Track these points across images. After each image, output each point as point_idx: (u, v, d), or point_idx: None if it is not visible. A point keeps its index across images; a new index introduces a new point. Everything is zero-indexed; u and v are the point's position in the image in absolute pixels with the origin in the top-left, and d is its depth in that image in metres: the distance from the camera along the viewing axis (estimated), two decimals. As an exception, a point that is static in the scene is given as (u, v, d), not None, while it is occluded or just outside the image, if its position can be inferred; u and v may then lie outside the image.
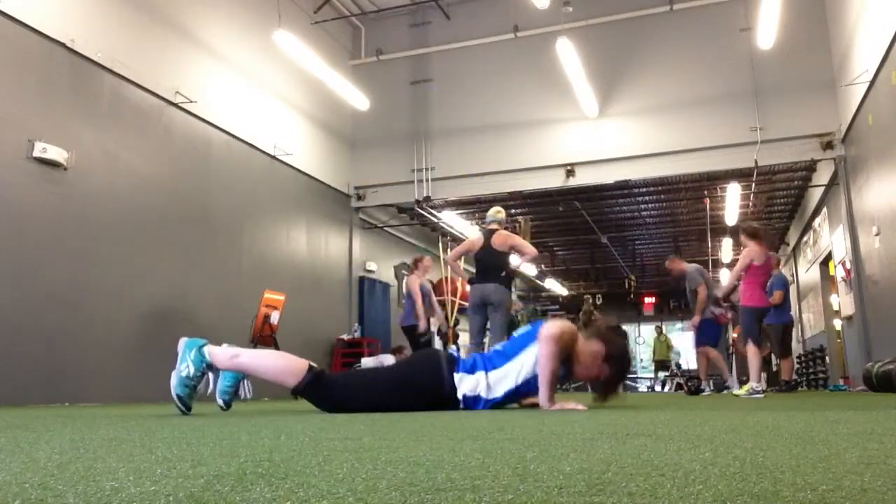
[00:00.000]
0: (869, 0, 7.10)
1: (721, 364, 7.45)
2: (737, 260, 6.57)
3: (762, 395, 6.02)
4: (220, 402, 2.97)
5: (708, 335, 7.60)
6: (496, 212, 6.29)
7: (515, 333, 3.13)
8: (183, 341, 2.71)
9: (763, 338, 7.16)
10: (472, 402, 2.92)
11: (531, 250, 6.13)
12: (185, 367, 2.64)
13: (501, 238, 6.04)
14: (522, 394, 3.01)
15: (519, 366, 2.94)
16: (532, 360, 2.92)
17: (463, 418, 2.28)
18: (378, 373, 3.23)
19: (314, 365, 2.75)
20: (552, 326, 2.92)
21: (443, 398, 2.89)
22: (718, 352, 7.63)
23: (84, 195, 6.10)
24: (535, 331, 2.98)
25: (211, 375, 2.74)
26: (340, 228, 10.61)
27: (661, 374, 17.42)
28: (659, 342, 18.24)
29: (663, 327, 18.84)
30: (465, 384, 2.91)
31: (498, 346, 3.15)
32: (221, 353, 2.71)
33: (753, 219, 13.65)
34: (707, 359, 7.67)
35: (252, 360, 2.77)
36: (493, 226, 6.16)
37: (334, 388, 2.80)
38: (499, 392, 2.94)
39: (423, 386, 2.90)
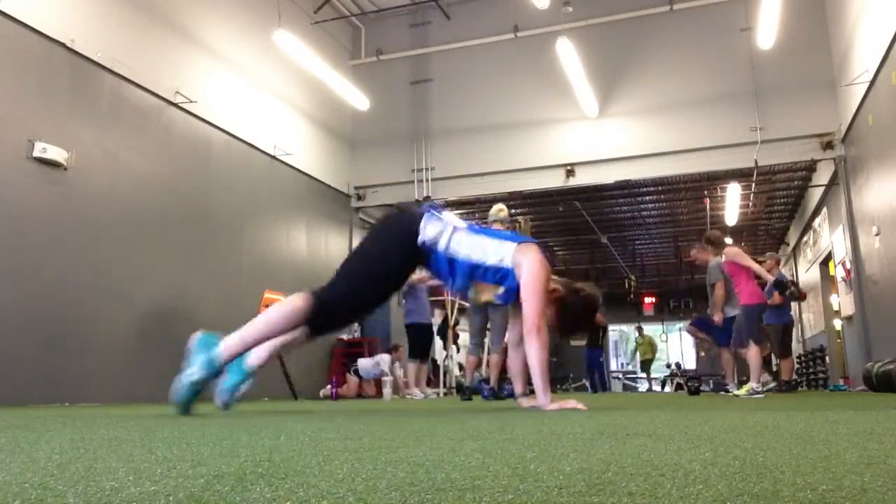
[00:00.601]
0: (869, 0, 7.10)
1: (730, 366, 7.37)
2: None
3: (762, 395, 6.02)
4: (219, 402, 2.92)
5: (727, 336, 7.30)
6: (497, 210, 6.29)
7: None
8: (196, 336, 2.59)
9: (763, 338, 7.13)
10: (429, 252, 2.81)
11: None
12: (192, 371, 2.54)
13: None
14: (476, 279, 2.88)
15: (486, 248, 2.86)
16: (499, 256, 2.85)
17: (463, 418, 2.28)
18: (353, 265, 2.93)
19: (306, 291, 2.63)
20: (532, 312, 2.83)
21: (416, 250, 2.82)
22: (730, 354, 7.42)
23: (84, 195, 6.10)
24: (514, 241, 2.91)
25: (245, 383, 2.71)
26: (340, 228, 10.61)
27: (657, 374, 17.43)
28: (641, 342, 18.24)
29: (643, 328, 18.81)
30: (430, 228, 2.82)
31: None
32: (232, 344, 2.60)
33: (753, 219, 13.66)
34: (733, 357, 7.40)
35: (253, 330, 2.62)
36: (496, 225, 6.17)
37: (338, 306, 2.69)
38: (457, 252, 2.83)
39: (401, 248, 2.83)
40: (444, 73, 10.71)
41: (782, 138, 8.94)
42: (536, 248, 2.93)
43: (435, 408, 3.79)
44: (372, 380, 9.39)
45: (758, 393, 6.04)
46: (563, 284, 3.09)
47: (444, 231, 2.85)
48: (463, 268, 2.85)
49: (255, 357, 2.78)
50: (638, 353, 18.63)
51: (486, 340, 7.09)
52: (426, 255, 2.84)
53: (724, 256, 6.54)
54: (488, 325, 6.79)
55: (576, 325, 3.16)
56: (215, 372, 2.60)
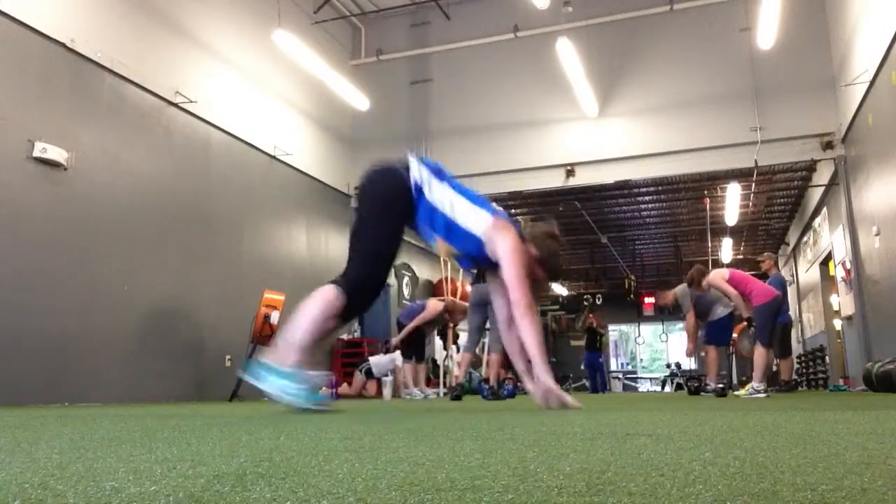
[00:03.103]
0: (869, 0, 7.10)
1: (713, 367, 7.30)
2: (735, 263, 6.54)
3: (764, 395, 5.99)
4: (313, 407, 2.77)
5: (716, 335, 7.32)
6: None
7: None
8: (256, 375, 2.59)
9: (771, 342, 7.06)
10: (419, 194, 2.85)
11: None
12: (285, 385, 2.53)
13: None
14: (441, 233, 2.91)
15: (457, 206, 2.88)
16: (475, 223, 2.87)
17: (463, 418, 2.28)
18: (362, 243, 2.95)
19: (336, 283, 2.69)
20: (518, 287, 2.84)
21: (410, 200, 2.85)
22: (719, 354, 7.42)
23: (84, 195, 6.10)
24: (488, 211, 2.92)
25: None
26: (340, 228, 10.61)
27: (657, 374, 17.27)
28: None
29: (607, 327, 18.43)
30: (417, 171, 2.85)
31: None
32: (282, 354, 2.62)
33: (753, 219, 13.66)
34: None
35: (303, 329, 2.65)
36: None
37: (363, 286, 2.76)
38: (438, 199, 2.85)
39: (393, 206, 2.86)
40: (444, 73, 10.71)
41: (782, 138, 8.93)
42: (512, 228, 2.93)
43: (435, 408, 3.79)
44: (375, 380, 9.38)
45: (759, 393, 6.03)
46: (531, 241, 3.05)
47: (427, 175, 2.88)
48: (445, 222, 2.86)
49: (296, 356, 2.71)
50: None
51: (486, 340, 7.09)
52: (414, 199, 2.86)
53: (706, 283, 6.51)
54: (487, 325, 6.79)
55: (557, 268, 3.19)
56: (299, 373, 2.59)
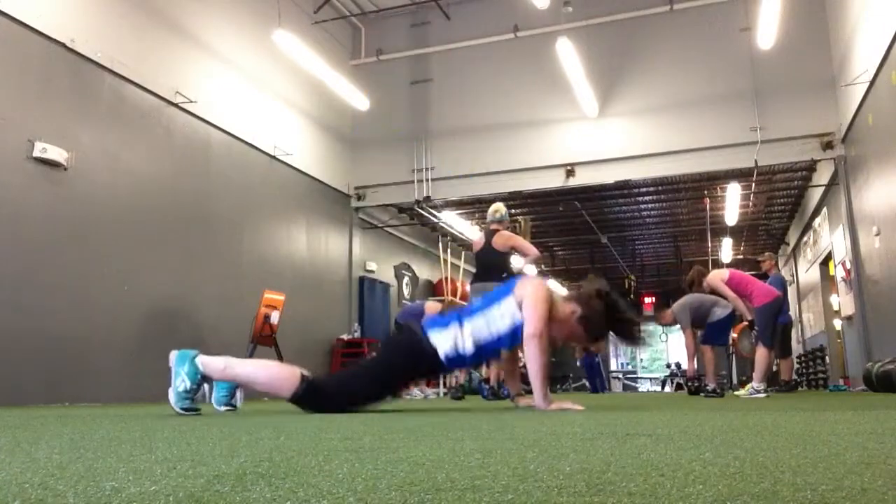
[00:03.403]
0: (869, 0, 7.10)
1: (710, 367, 7.32)
2: (735, 263, 6.55)
3: (764, 395, 5.98)
4: (220, 410, 2.97)
5: (712, 335, 7.34)
6: (494, 210, 6.28)
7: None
8: (174, 354, 2.70)
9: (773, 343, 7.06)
10: (457, 362, 2.88)
11: (533, 251, 6.12)
12: (180, 381, 2.63)
13: (503, 239, 6.04)
14: (501, 348, 2.95)
15: (495, 317, 2.90)
16: (508, 313, 2.89)
17: (463, 418, 2.28)
18: (361, 367, 3.17)
19: (305, 373, 2.73)
20: (534, 317, 2.86)
21: (429, 365, 2.88)
22: (714, 353, 7.42)
23: (84, 195, 6.10)
24: (511, 287, 2.97)
25: (206, 386, 2.74)
26: (340, 228, 10.61)
27: (657, 374, 17.23)
28: None
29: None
30: (443, 342, 2.85)
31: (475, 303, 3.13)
32: (213, 364, 2.70)
33: (753, 219, 13.66)
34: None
35: (244, 371, 2.77)
36: (494, 226, 6.16)
37: (326, 393, 2.78)
38: (476, 344, 2.88)
39: (407, 363, 2.89)
40: (444, 73, 10.70)
41: (782, 138, 8.93)
42: (531, 281, 3.00)
43: (435, 408, 3.79)
44: None
45: (758, 393, 6.01)
46: (575, 299, 3.04)
47: (456, 336, 2.87)
48: (489, 348, 2.91)
49: (221, 376, 2.84)
50: None
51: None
52: (442, 364, 2.88)
53: (706, 283, 6.51)
54: None
55: (601, 327, 3.07)
56: (199, 379, 2.68)
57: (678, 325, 7.21)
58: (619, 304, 3.03)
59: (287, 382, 2.70)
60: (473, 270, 6.51)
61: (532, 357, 2.87)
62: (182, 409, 2.63)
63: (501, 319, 2.89)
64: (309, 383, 2.70)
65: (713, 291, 6.63)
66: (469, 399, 6.64)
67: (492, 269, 5.97)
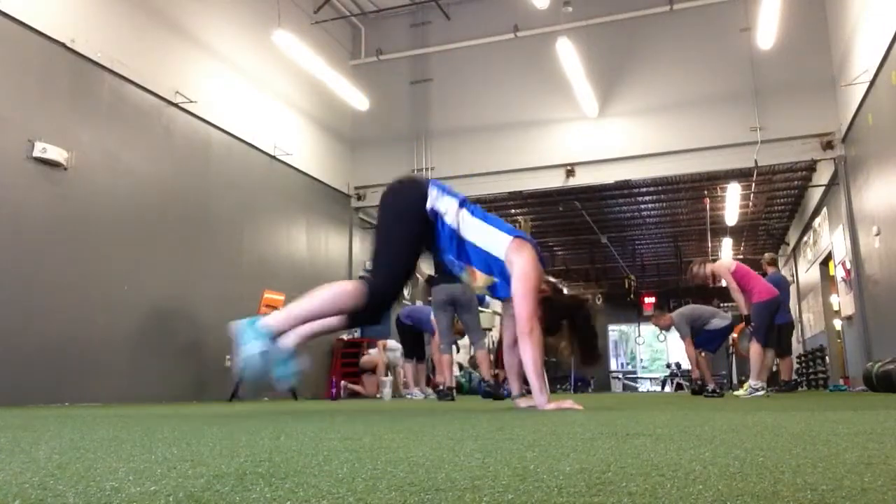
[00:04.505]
0: (869, 0, 7.10)
1: (706, 370, 7.39)
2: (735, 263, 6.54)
3: (763, 394, 5.99)
4: (283, 386, 2.77)
5: (704, 341, 7.42)
6: None
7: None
8: (237, 324, 2.58)
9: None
10: (434, 219, 2.84)
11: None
12: (255, 345, 2.49)
13: None
14: (466, 259, 2.91)
15: (483, 236, 2.87)
16: (493, 245, 2.86)
17: (463, 418, 2.28)
18: (382, 252, 2.90)
19: (362, 275, 2.71)
20: (524, 313, 2.80)
21: (425, 217, 2.85)
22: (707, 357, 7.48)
23: (84, 195, 6.10)
24: (513, 233, 2.91)
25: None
26: (340, 228, 10.61)
27: (657, 374, 17.23)
28: None
29: None
30: (434, 198, 2.84)
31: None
32: (276, 319, 2.59)
33: (753, 219, 13.66)
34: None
35: (308, 307, 2.62)
36: None
37: (384, 289, 2.71)
38: (465, 234, 2.86)
39: (411, 216, 2.85)
40: (444, 73, 10.70)
41: (782, 138, 8.93)
42: (531, 247, 2.91)
43: (435, 408, 3.79)
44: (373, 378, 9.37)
45: (757, 391, 6.01)
46: (551, 285, 3.06)
47: (452, 207, 2.86)
48: (475, 253, 2.86)
49: (295, 336, 2.70)
50: None
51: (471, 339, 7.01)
52: (432, 223, 2.85)
53: (712, 270, 6.53)
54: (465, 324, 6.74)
55: (556, 325, 3.09)
56: (272, 339, 2.56)
57: (673, 329, 7.35)
58: (589, 316, 3.06)
59: (350, 296, 2.60)
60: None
61: (528, 353, 2.85)
62: (254, 375, 2.49)
63: (485, 238, 2.86)
64: (370, 290, 2.61)
65: (708, 285, 6.69)
66: (469, 399, 6.64)
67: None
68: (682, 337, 7.26)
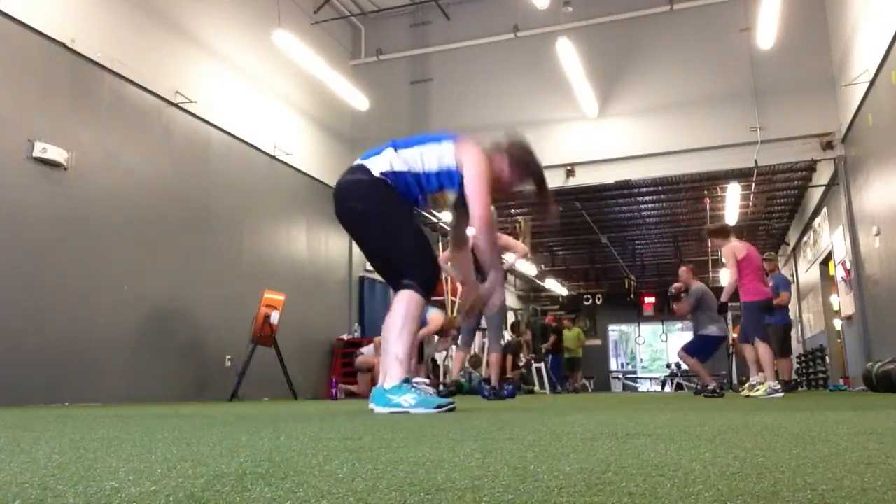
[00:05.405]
0: (869, 0, 7.10)
1: (703, 373, 7.37)
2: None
3: (782, 395, 5.84)
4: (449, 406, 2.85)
5: (696, 349, 7.42)
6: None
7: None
8: (378, 399, 2.76)
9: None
10: (393, 178, 2.91)
11: (521, 248, 6.15)
12: (409, 396, 2.70)
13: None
14: (430, 187, 2.97)
15: (429, 155, 2.94)
16: (440, 157, 2.93)
17: (463, 418, 2.28)
18: (398, 248, 3.01)
19: (406, 282, 2.82)
20: (478, 203, 2.89)
21: (391, 191, 2.92)
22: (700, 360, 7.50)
23: (84, 195, 6.10)
24: (455, 139, 2.98)
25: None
26: (340, 228, 10.49)
27: (657, 374, 17.20)
28: (570, 336, 14.91)
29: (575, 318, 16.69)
30: (377, 164, 2.92)
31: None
32: (398, 372, 2.75)
33: (753, 219, 13.66)
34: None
35: (403, 343, 2.79)
36: None
37: (422, 277, 2.86)
38: (417, 167, 2.93)
39: (383, 201, 2.92)
40: (444, 73, 10.70)
41: (782, 138, 8.93)
42: (476, 145, 2.99)
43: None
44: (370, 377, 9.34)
45: (777, 392, 5.81)
46: (501, 151, 3.10)
47: (391, 157, 2.93)
48: (435, 178, 2.94)
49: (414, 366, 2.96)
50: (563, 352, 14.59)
51: (486, 340, 7.05)
52: (393, 188, 2.92)
53: (723, 250, 6.52)
54: (483, 325, 6.76)
55: (529, 160, 3.21)
56: (411, 385, 2.75)
57: (676, 321, 7.52)
58: (538, 165, 3.23)
59: (417, 304, 2.79)
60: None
61: (484, 239, 2.97)
62: (436, 407, 2.67)
63: (432, 158, 2.93)
64: (421, 287, 2.81)
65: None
66: (469, 399, 6.64)
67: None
68: (688, 303, 7.45)
